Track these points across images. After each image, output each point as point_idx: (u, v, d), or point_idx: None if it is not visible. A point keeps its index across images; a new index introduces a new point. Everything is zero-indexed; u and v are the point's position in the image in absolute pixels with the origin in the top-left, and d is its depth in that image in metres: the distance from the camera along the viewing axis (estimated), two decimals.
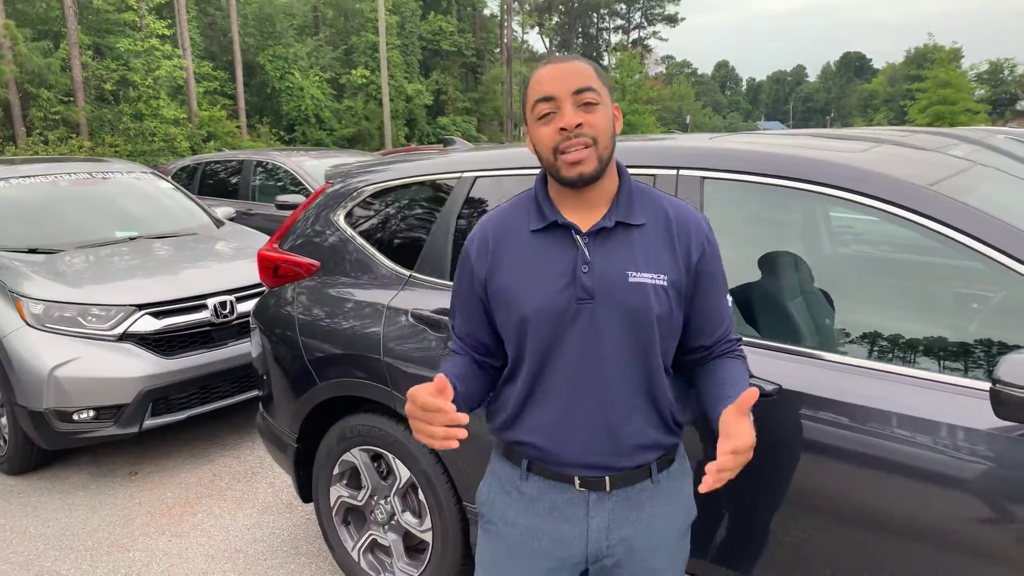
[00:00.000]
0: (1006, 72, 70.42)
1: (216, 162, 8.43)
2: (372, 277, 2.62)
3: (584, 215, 1.35)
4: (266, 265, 2.97)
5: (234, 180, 7.99)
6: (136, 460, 4.02)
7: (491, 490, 1.50)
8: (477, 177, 2.45)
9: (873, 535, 1.64)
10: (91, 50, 22.85)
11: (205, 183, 8.25)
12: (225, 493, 3.61)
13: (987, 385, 1.49)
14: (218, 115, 25.13)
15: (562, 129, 1.26)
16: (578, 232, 1.33)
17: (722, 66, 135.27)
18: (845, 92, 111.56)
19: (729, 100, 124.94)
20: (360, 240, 2.70)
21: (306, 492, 2.87)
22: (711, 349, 1.45)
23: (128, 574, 2.94)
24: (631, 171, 2.11)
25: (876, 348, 1.77)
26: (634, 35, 76.88)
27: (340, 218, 2.80)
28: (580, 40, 71.05)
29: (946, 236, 1.65)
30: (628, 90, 40.58)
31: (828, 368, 1.74)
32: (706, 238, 1.40)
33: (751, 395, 1.20)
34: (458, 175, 2.52)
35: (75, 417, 3.57)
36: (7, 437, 3.78)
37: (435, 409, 1.16)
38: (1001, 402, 1.38)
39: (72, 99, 21.78)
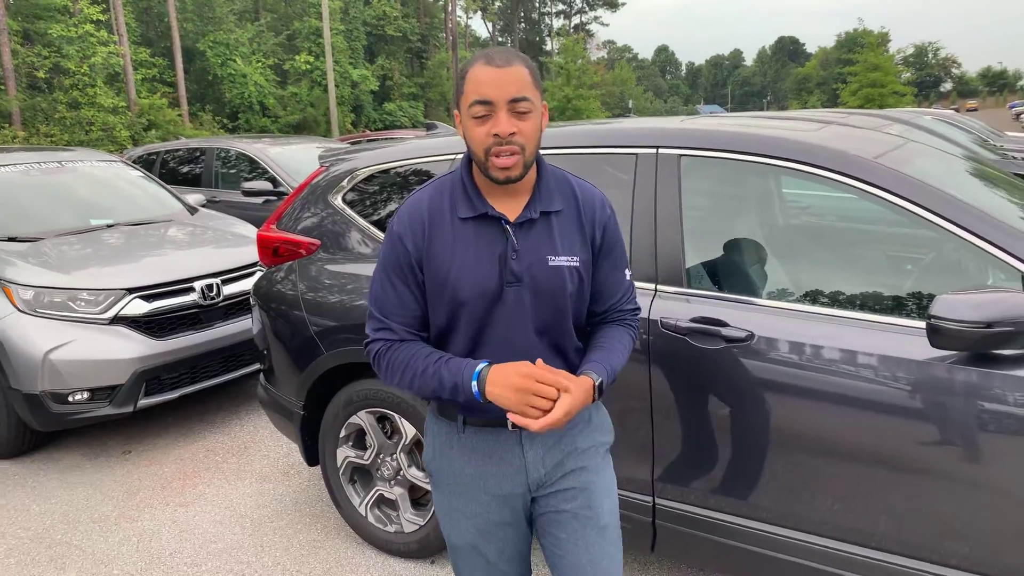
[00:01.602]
0: (930, 55, 73.44)
1: (175, 150, 8.39)
2: (372, 253, 2.83)
3: (509, 204, 1.50)
4: (266, 245, 3.14)
5: (194, 168, 7.98)
6: (127, 440, 4.13)
7: (433, 448, 1.64)
8: None
9: (829, 458, 1.96)
10: (20, 36, 21.97)
11: (163, 171, 8.21)
12: (221, 466, 3.77)
13: (922, 324, 1.82)
14: (158, 103, 24.52)
15: (495, 135, 1.38)
16: (507, 223, 1.48)
17: (662, 51, 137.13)
18: (780, 76, 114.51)
19: (669, 84, 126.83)
20: (360, 219, 2.90)
21: (312, 456, 3.07)
22: (603, 315, 1.63)
23: (140, 541, 3.10)
24: (616, 151, 2.39)
25: (825, 298, 2.08)
26: (576, 20, 77.36)
27: (338, 199, 2.99)
28: (523, 24, 71.12)
29: (890, 202, 1.96)
30: (572, 75, 40.94)
31: (787, 316, 2.04)
32: (608, 217, 1.58)
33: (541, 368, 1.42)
34: (452, 156, 2.74)
35: (70, 399, 3.68)
36: None
37: (553, 383, 1.37)
38: (936, 332, 1.70)
39: (2, 87, 20.96)
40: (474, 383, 1.41)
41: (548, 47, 67.25)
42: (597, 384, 1.47)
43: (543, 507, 1.59)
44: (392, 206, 2.87)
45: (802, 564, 2.04)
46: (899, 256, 2.23)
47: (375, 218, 2.88)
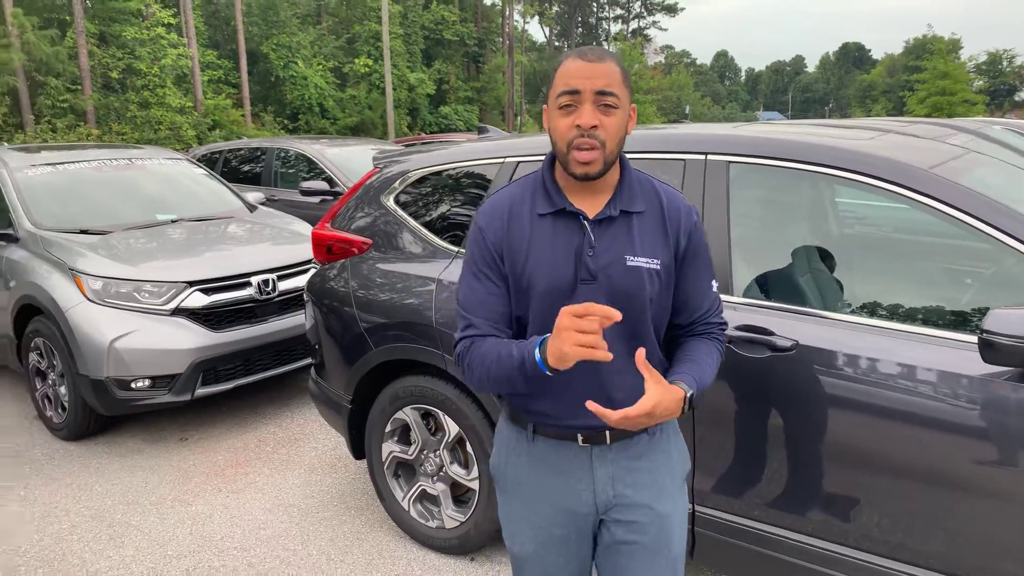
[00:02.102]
0: (1004, 63, 70.58)
1: (237, 150, 8.66)
2: (422, 253, 2.89)
3: (588, 201, 1.47)
4: (320, 243, 3.23)
5: (257, 167, 8.23)
6: (184, 428, 4.30)
7: (500, 455, 1.63)
8: (520, 162, 2.71)
9: (878, 474, 1.92)
10: (97, 38, 22.97)
11: (225, 170, 8.48)
12: (272, 456, 3.89)
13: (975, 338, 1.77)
14: (223, 104, 25.31)
15: (578, 126, 1.37)
16: (585, 218, 1.45)
17: (721, 56, 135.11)
18: (844, 82, 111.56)
19: (728, 90, 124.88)
20: (410, 220, 2.97)
21: (358, 449, 3.14)
22: (688, 328, 1.57)
23: (194, 525, 3.22)
24: (664, 156, 2.39)
25: (874, 310, 2.05)
26: (634, 24, 76.83)
27: (390, 200, 3.06)
28: (580, 29, 70.98)
29: (944, 213, 1.92)
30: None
31: (837, 327, 2.02)
32: (694, 225, 1.52)
33: (641, 360, 1.31)
34: (501, 160, 2.78)
35: (133, 385, 3.84)
36: (67, 405, 4.05)
37: (586, 313, 1.21)
38: (989, 347, 1.66)
39: (79, 87, 21.94)
40: (537, 350, 1.33)
41: None
42: (688, 396, 1.38)
43: (613, 533, 1.53)
44: (442, 208, 2.92)
45: None
46: (954, 269, 2.18)
47: (425, 219, 2.94)
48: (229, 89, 27.60)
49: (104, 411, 3.92)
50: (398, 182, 3.07)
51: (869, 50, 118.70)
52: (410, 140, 13.94)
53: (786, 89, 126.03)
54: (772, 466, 2.10)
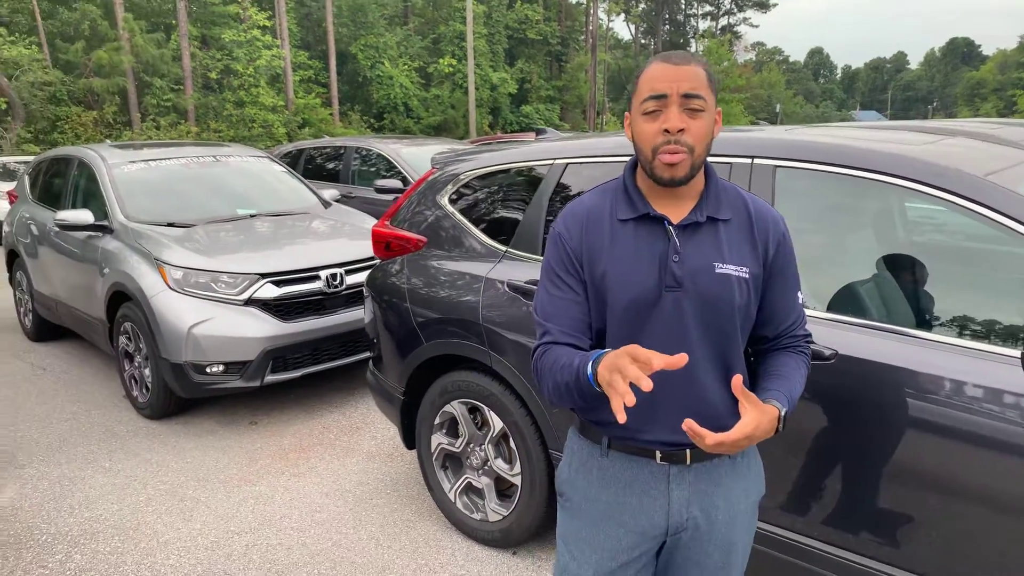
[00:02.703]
0: None
1: (318, 148, 9.01)
2: (472, 252, 2.96)
3: (672, 208, 1.41)
4: (379, 240, 3.36)
5: (334, 165, 8.54)
6: (255, 412, 4.53)
7: (570, 468, 1.54)
8: (568, 164, 2.75)
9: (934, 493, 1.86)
10: (199, 41, 24.28)
11: (307, 167, 8.84)
12: (334, 443, 4.06)
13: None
14: (313, 103, 26.29)
15: (665, 131, 1.32)
16: (670, 224, 1.39)
17: (816, 53, 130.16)
18: (950, 80, 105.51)
19: (822, 88, 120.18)
20: (462, 219, 3.05)
21: (410, 439, 3.25)
22: (774, 341, 1.51)
23: (256, 503, 3.41)
24: (709, 160, 2.37)
25: (918, 320, 1.98)
26: (723, 21, 74.98)
27: (444, 199, 3.15)
28: (667, 27, 69.86)
29: (996, 221, 1.84)
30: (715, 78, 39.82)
31: (874, 335, 1.96)
32: (782, 235, 1.46)
33: (738, 386, 1.26)
34: (550, 162, 2.82)
35: (208, 370, 4.09)
36: (150, 386, 4.35)
37: (647, 361, 1.11)
38: None
39: (181, 87, 23.25)
40: (590, 363, 1.26)
41: (693, 49, 65.77)
42: (782, 415, 1.33)
43: (677, 553, 1.47)
44: (492, 208, 2.98)
45: None
46: (1009, 279, 2.08)
47: (476, 219, 3.01)
48: (319, 89, 28.63)
49: (182, 393, 4.18)
50: (453, 182, 3.15)
51: (979, 46, 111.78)
52: (484, 140, 14.13)
53: (885, 87, 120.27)
54: (811, 478, 2.07)
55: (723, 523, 1.45)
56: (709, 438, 1.23)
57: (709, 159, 2.37)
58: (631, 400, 1.10)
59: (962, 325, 1.93)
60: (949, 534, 1.84)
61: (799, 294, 1.53)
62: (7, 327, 6.80)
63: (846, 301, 2.11)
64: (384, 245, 3.34)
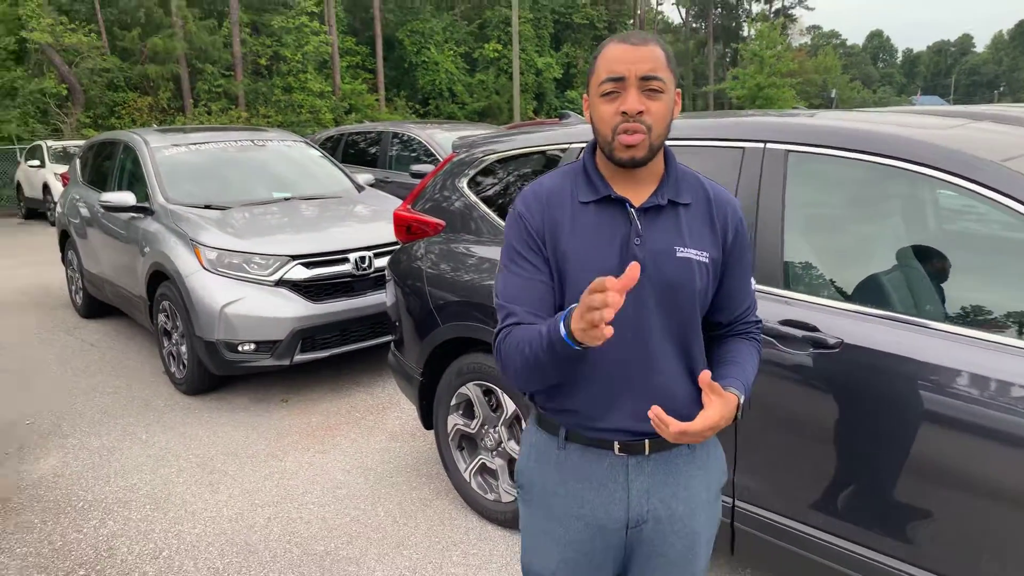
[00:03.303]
0: None
1: (357, 133, 9.13)
2: (489, 236, 2.98)
3: (633, 191, 1.39)
4: (400, 224, 3.41)
5: (373, 150, 8.65)
6: (286, 390, 4.66)
7: (529, 460, 1.51)
8: (584, 147, 2.74)
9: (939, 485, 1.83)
10: (249, 28, 24.71)
11: (347, 152, 8.97)
12: (360, 421, 4.15)
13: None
14: (359, 88, 26.58)
15: (623, 112, 1.30)
16: (631, 206, 1.37)
17: (875, 36, 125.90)
18: (1019, 64, 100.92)
19: (881, 73, 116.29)
20: (480, 204, 3.07)
21: (428, 420, 3.31)
22: (728, 327, 1.51)
23: (281, 478, 3.52)
24: (721, 144, 2.35)
25: (927, 309, 1.93)
26: (777, 4, 73.01)
27: (464, 184, 3.18)
28: (719, 10, 68.34)
29: (1007, 207, 1.78)
30: (767, 62, 38.87)
31: (882, 324, 1.92)
32: (740, 220, 1.45)
33: (706, 380, 1.26)
34: (567, 145, 2.82)
35: (239, 348, 4.21)
36: (186, 363, 4.50)
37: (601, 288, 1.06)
38: None
39: (232, 73, 23.74)
40: (562, 324, 1.19)
41: (745, 33, 64.21)
42: (741, 403, 1.33)
43: (638, 545, 1.44)
44: (510, 192, 3.00)
45: None
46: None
47: (493, 202, 3.03)
48: (365, 74, 28.91)
49: (215, 370, 4.32)
50: (472, 166, 3.18)
51: None
52: (521, 125, 14.11)
53: (949, 71, 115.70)
54: (812, 466, 2.05)
55: (684, 514, 1.42)
56: (673, 426, 1.22)
57: (723, 143, 2.36)
58: (609, 331, 1.07)
59: (974, 315, 1.87)
60: (963, 531, 1.80)
61: (752, 280, 1.52)
62: (60, 304, 7.10)
63: (861, 289, 2.07)
64: (405, 228, 3.39)
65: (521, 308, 1.37)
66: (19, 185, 15.97)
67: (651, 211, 1.37)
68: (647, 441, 1.39)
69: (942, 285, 2.02)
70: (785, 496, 2.13)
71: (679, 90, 1.38)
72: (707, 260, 1.38)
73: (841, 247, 2.16)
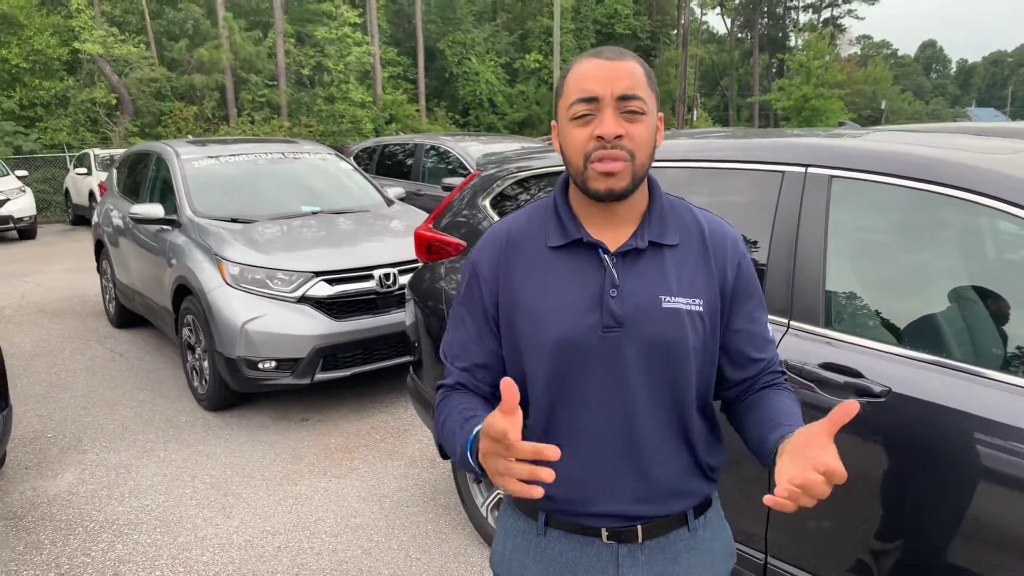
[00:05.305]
0: None
1: (393, 145, 9.09)
2: None
3: (611, 232, 1.19)
4: (421, 243, 3.28)
5: (408, 162, 8.60)
6: (307, 409, 4.57)
7: (505, 550, 1.30)
8: None
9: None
10: (293, 38, 25.08)
11: (383, 163, 8.94)
12: (379, 445, 4.03)
13: None
14: (400, 99, 26.71)
15: (599, 137, 1.10)
16: (606, 252, 1.17)
17: (928, 46, 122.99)
18: None
19: (934, 84, 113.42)
20: None
21: (444, 450, 3.16)
22: (753, 380, 1.27)
23: (295, 504, 3.41)
24: (759, 167, 2.17)
25: (987, 355, 1.72)
26: (826, 13, 71.72)
27: (487, 202, 3.04)
28: (765, 20, 67.41)
29: None
30: (813, 73, 38.13)
31: (935, 372, 1.72)
32: (741, 255, 1.24)
33: (850, 408, 0.93)
34: None
35: (260, 366, 4.14)
36: (208, 379, 4.44)
37: (502, 438, 0.90)
38: None
39: (275, 83, 24.09)
40: (468, 450, 1.05)
41: (792, 43, 63.16)
42: None
43: None
44: None
45: None
46: None
47: None
48: (407, 85, 29.08)
49: (235, 387, 4.25)
50: (495, 185, 3.04)
51: None
52: (547, 138, 13.97)
53: (1006, 83, 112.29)
54: (852, 522, 1.85)
55: None
56: (774, 501, 0.94)
57: (760, 166, 2.17)
58: (539, 492, 0.89)
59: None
60: None
61: (768, 325, 1.28)
62: (94, 312, 7.17)
63: (912, 330, 1.86)
64: (426, 248, 3.26)
65: (459, 368, 1.25)
66: (67, 192, 16.39)
67: (629, 255, 1.17)
68: (639, 526, 1.19)
69: (1003, 328, 1.80)
70: (821, 555, 1.93)
71: (661, 114, 1.19)
72: (700, 308, 1.17)
73: (890, 284, 1.96)
